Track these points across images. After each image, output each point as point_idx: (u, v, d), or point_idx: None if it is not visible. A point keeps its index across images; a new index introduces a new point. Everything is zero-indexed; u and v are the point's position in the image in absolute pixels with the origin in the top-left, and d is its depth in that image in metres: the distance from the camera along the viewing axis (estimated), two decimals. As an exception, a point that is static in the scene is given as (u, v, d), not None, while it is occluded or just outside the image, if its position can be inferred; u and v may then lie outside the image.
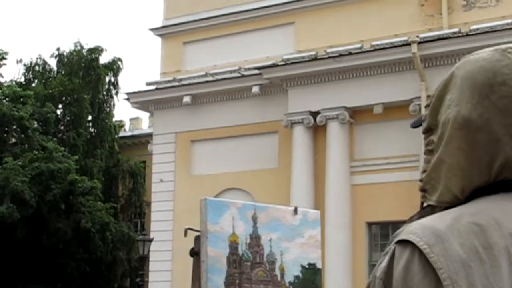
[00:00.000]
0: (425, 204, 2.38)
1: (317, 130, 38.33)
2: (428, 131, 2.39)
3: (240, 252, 1.86)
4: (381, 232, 36.52)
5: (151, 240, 39.57)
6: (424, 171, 2.37)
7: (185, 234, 1.93)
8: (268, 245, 1.91)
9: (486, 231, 2.07)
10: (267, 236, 1.91)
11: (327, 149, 37.64)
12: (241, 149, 40.06)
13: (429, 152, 2.37)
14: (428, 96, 34.51)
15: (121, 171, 53.76)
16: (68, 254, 46.06)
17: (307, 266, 2.00)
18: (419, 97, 34.95)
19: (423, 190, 2.38)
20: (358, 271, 34.74)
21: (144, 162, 50.26)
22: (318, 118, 37.71)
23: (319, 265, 2.06)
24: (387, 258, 2.12)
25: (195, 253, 1.88)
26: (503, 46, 2.32)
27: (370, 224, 36.70)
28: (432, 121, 2.35)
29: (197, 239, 1.94)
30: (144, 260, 40.86)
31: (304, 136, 38.39)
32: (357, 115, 37.44)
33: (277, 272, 1.93)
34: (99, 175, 49.57)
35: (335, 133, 37.59)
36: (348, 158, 37.50)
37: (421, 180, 2.38)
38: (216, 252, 1.82)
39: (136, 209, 52.98)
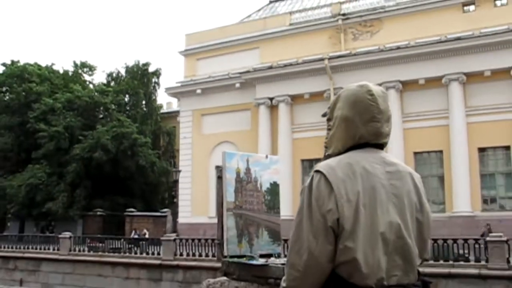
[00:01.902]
0: (326, 153, 2.52)
1: (273, 108, 38.65)
2: (329, 120, 2.52)
3: (241, 176, 2.34)
4: (309, 165, 37.07)
5: (179, 171, 39.55)
6: (326, 138, 2.52)
7: (218, 174, 2.45)
8: (254, 173, 2.38)
9: (352, 165, 2.27)
10: (253, 168, 2.39)
11: (279, 119, 38.11)
12: (230, 119, 40.41)
13: (328, 130, 2.52)
14: (334, 89, 35.20)
15: (161, 132, 52.61)
16: (133, 180, 45.89)
17: (272, 183, 2.43)
18: (329, 89, 35.51)
19: (325, 147, 2.55)
20: (296, 189, 35.01)
21: (175, 127, 49.63)
22: (273, 101, 38.21)
23: (278, 182, 2.50)
24: (310, 179, 2.29)
25: (219, 177, 2.42)
26: (362, 83, 2.44)
27: (303, 161, 37.19)
28: (331, 115, 2.49)
29: (220, 170, 2.47)
30: (176, 182, 40.75)
31: (265, 111, 38.76)
32: (295, 99, 37.78)
33: (258, 186, 2.39)
34: (149, 135, 48.78)
35: (283, 110, 38.01)
36: (290, 123, 37.93)
37: (325, 142, 2.54)
38: (229, 176, 2.30)
39: (171, 154, 52.15)
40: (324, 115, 2.64)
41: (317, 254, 2.15)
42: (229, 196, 2.53)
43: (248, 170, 2.63)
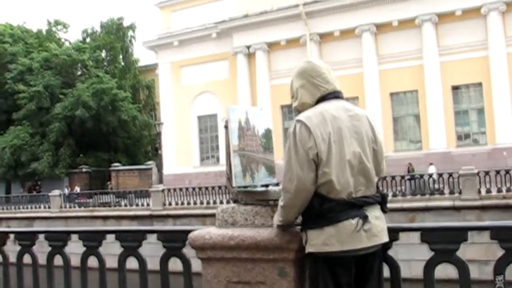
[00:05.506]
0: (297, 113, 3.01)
1: (250, 56, 39.13)
2: (292, 97, 3.09)
3: (242, 125, 2.72)
4: (288, 110, 37.61)
5: (162, 123, 39.77)
6: (295, 102, 3.08)
7: (225, 124, 2.81)
8: (252, 122, 2.77)
9: (323, 113, 2.88)
10: (251, 118, 2.78)
11: (256, 66, 38.67)
12: (209, 69, 40.79)
13: (292, 98, 3.10)
14: (310, 34, 35.60)
15: (141, 86, 52.99)
16: (116, 135, 46.24)
17: (266, 128, 2.83)
18: (305, 35, 36.02)
19: (298, 111, 3.05)
20: (277, 133, 35.70)
21: (154, 80, 49.37)
22: (251, 49, 38.66)
23: (271, 128, 2.92)
24: (293, 126, 2.89)
25: (226, 127, 2.79)
26: (308, 60, 3.06)
27: (282, 106, 37.81)
28: (292, 92, 3.08)
29: (227, 121, 2.85)
30: (159, 134, 41.00)
31: (243, 59, 39.26)
32: (272, 46, 38.22)
33: (256, 131, 2.77)
34: (129, 89, 49.16)
35: (260, 57, 38.54)
36: (268, 70, 38.49)
37: (296, 106, 3.09)
38: (233, 126, 2.68)
39: (151, 107, 51.79)
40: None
41: (303, 180, 2.83)
42: (234, 141, 3.31)
43: (247, 120, 3.38)
